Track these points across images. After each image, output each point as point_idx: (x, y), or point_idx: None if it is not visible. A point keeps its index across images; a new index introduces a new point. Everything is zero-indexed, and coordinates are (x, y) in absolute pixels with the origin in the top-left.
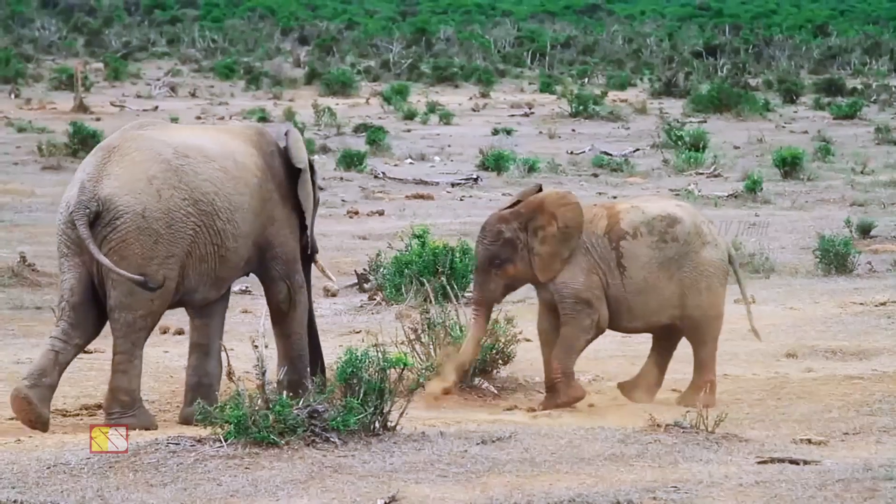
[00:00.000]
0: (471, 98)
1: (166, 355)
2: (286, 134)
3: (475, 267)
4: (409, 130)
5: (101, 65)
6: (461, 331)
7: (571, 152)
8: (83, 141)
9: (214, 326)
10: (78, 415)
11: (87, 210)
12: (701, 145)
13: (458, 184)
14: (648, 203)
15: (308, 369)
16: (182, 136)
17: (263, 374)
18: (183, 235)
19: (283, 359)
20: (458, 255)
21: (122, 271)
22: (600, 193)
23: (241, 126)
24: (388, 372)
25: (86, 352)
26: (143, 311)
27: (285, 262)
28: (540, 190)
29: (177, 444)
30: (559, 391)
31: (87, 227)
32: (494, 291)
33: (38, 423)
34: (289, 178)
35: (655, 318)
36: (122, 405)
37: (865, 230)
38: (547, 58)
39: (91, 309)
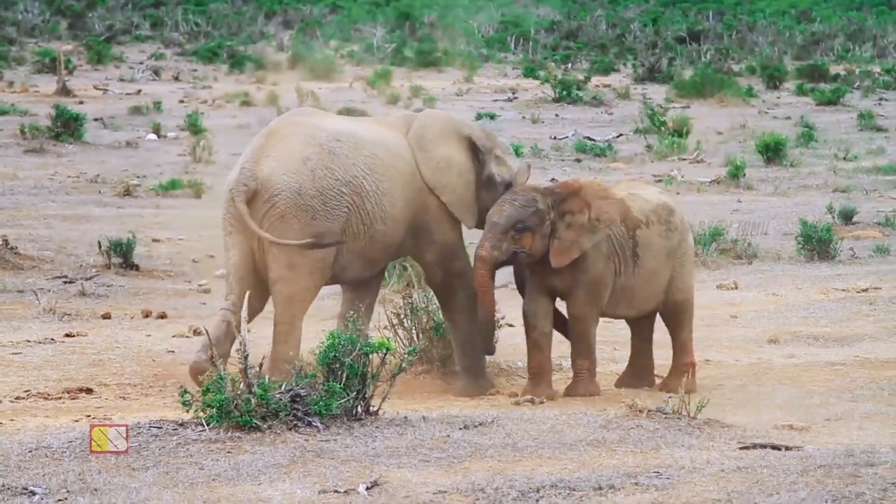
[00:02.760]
0: (454, 83)
1: (148, 339)
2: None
3: (493, 224)
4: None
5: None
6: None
7: (554, 137)
8: (66, 124)
9: (366, 303)
10: (60, 398)
11: (246, 188)
12: (684, 131)
13: None
14: (641, 190)
15: (481, 354)
16: (336, 123)
17: (246, 357)
18: (339, 213)
19: (454, 344)
20: None
21: (288, 241)
22: None
23: (401, 118)
24: (370, 356)
25: (67, 335)
26: (302, 284)
27: (441, 250)
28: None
29: (159, 427)
30: (580, 385)
31: (245, 203)
32: (503, 254)
33: None
34: None
35: (650, 306)
36: (283, 373)
37: (848, 216)
38: (530, 43)
39: (256, 282)
